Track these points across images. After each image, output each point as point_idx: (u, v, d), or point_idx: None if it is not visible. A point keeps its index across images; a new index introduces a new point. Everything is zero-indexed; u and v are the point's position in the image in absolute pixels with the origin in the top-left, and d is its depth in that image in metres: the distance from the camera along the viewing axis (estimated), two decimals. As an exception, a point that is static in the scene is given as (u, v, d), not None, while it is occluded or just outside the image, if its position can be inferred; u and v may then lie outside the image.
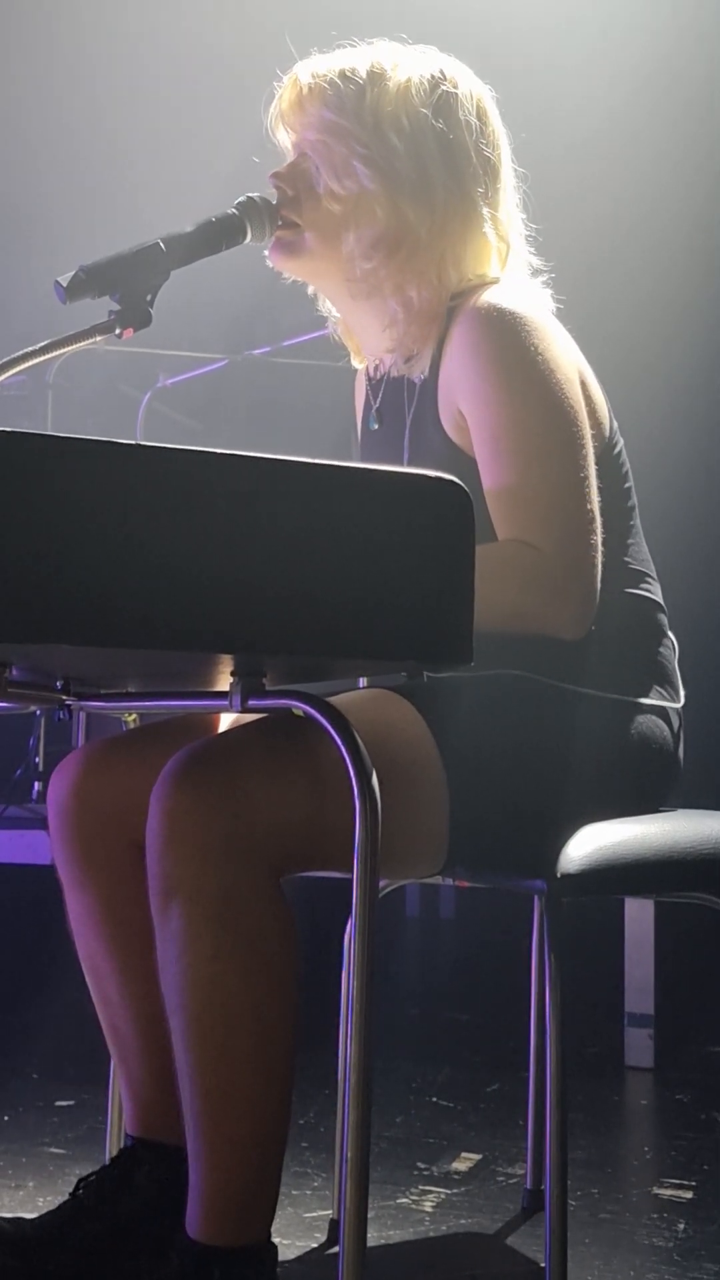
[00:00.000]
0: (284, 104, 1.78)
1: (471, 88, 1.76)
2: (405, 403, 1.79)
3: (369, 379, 1.89)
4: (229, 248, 1.73)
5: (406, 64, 1.74)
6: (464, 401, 1.67)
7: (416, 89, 1.72)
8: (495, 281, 1.73)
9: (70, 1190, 1.71)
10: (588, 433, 1.65)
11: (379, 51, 1.75)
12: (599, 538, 1.63)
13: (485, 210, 1.74)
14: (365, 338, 1.85)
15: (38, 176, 4.58)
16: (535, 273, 1.81)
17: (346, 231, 1.72)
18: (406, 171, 1.70)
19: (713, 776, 2.85)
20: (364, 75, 1.72)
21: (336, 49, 1.77)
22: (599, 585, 1.62)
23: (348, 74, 1.72)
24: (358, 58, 1.74)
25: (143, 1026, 1.71)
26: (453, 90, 1.73)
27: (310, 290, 1.88)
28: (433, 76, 1.73)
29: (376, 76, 1.72)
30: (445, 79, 1.74)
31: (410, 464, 1.77)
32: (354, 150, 1.70)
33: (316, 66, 1.75)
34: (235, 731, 1.55)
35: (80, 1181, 1.71)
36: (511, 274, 1.78)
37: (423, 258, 1.71)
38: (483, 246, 1.74)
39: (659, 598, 1.78)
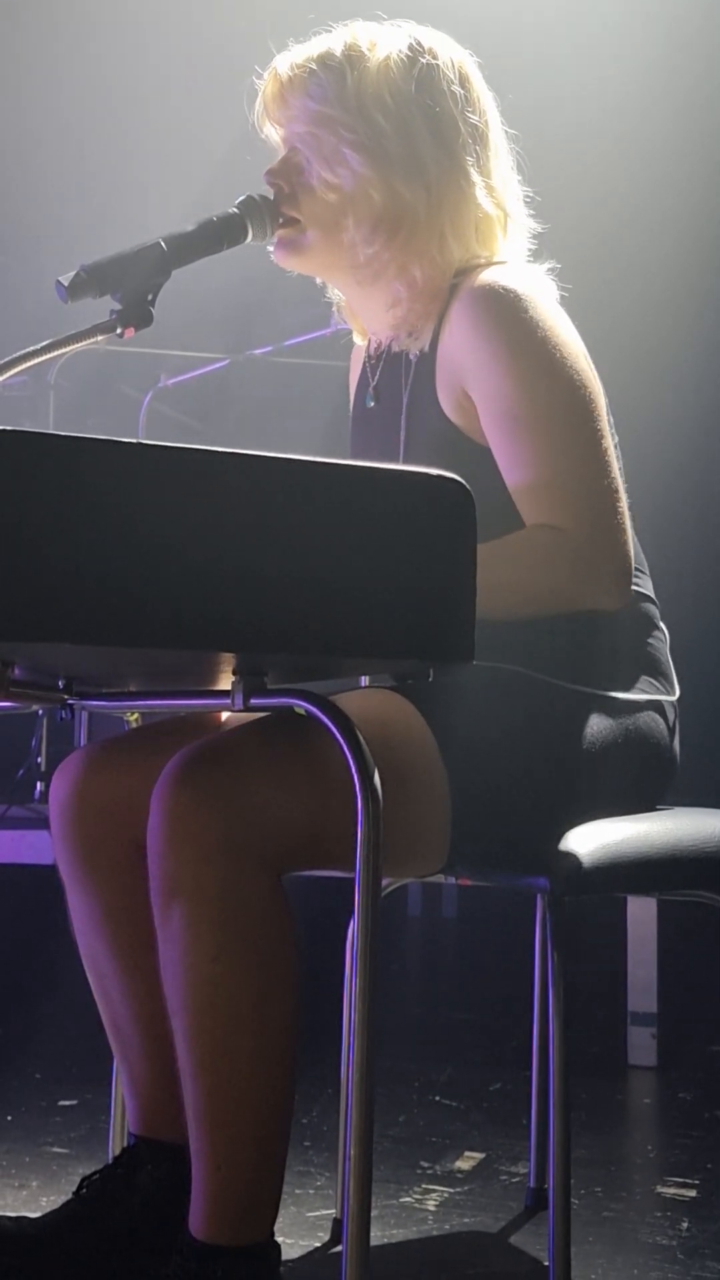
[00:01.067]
0: (267, 99, 1.77)
1: (451, 55, 1.75)
2: (402, 381, 1.79)
3: (367, 356, 1.89)
4: (230, 246, 1.73)
5: (383, 41, 1.73)
6: (472, 385, 1.66)
7: (396, 65, 1.72)
8: (501, 263, 1.73)
9: (73, 1190, 1.71)
10: (601, 403, 1.66)
11: (355, 32, 1.74)
12: (625, 504, 1.64)
13: (479, 178, 1.73)
14: (369, 320, 1.85)
15: (39, 175, 4.58)
16: (535, 237, 1.80)
17: (345, 219, 1.72)
18: (396, 151, 1.70)
19: (713, 774, 2.85)
20: (342, 58, 1.71)
21: (313, 36, 1.76)
22: (632, 551, 1.64)
23: (326, 60, 1.72)
24: (334, 41, 1.74)
25: (145, 1025, 1.71)
26: (433, 61, 1.73)
27: (319, 281, 1.88)
28: (411, 49, 1.73)
29: (355, 58, 1.71)
30: (424, 50, 1.73)
31: (406, 443, 1.77)
32: (342, 137, 1.70)
33: (295, 57, 1.75)
34: (237, 731, 1.55)
35: (83, 1181, 1.71)
36: (514, 246, 1.77)
37: (423, 235, 1.71)
38: (481, 216, 1.74)
39: (650, 591, 1.78)
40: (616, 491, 1.63)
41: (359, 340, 1.94)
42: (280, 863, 1.48)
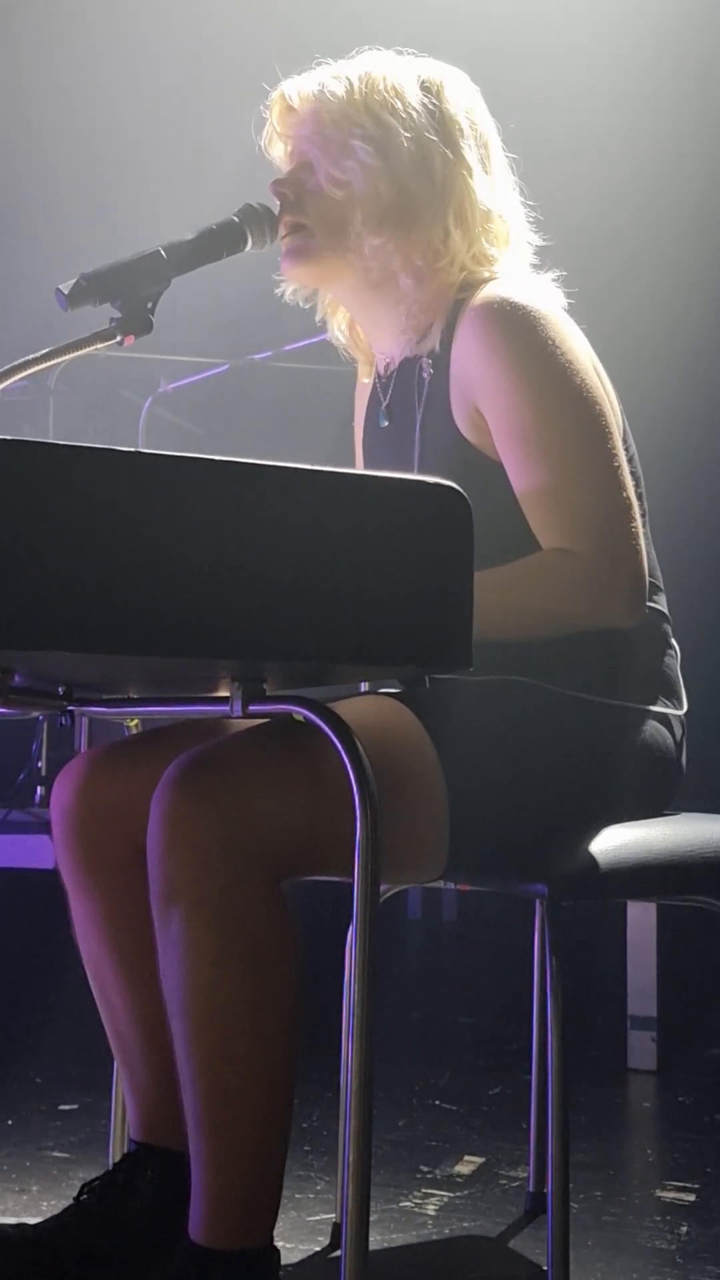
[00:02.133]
0: (274, 116, 1.81)
1: (458, 83, 1.79)
2: (415, 399, 1.80)
3: (378, 376, 1.89)
4: (230, 255, 1.74)
5: (391, 66, 1.77)
6: (484, 403, 1.67)
7: (402, 78, 1.75)
8: (508, 276, 1.74)
9: (74, 1194, 1.71)
10: (612, 420, 1.66)
11: (364, 59, 1.78)
12: (638, 521, 1.64)
13: (482, 174, 1.76)
14: (379, 333, 1.85)
15: (40, 183, 4.59)
16: (539, 251, 1.81)
17: (353, 214, 1.73)
18: (404, 145, 1.72)
19: (714, 780, 2.85)
20: (350, 76, 1.75)
21: (318, 65, 1.79)
22: (646, 568, 1.64)
23: (335, 76, 1.76)
24: (341, 67, 1.78)
25: (146, 1030, 1.71)
26: (438, 80, 1.77)
27: (318, 320, 1.89)
28: (418, 75, 1.77)
29: (362, 77, 1.75)
30: (430, 79, 1.77)
31: (421, 461, 1.78)
32: (350, 131, 1.73)
33: (301, 80, 1.79)
34: (236, 737, 1.56)
35: (84, 1186, 1.71)
36: (517, 256, 1.79)
37: (426, 224, 1.73)
38: (485, 211, 1.75)
39: (665, 608, 1.78)
40: (629, 509, 1.63)
41: (365, 378, 1.94)
42: (279, 868, 1.48)
